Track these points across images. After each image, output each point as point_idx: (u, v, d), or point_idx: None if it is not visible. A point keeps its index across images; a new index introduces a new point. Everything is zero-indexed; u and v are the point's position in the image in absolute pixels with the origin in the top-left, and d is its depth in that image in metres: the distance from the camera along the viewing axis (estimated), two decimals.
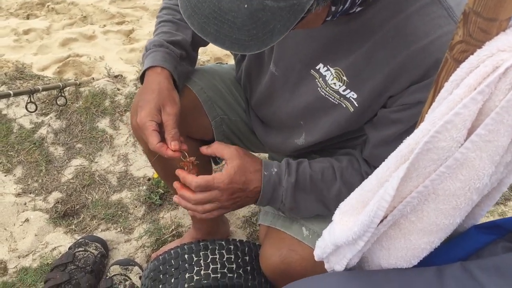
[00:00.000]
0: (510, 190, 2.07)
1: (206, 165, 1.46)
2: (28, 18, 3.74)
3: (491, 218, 1.85)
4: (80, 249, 1.68)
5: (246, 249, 1.36)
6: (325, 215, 1.11)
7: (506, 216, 1.85)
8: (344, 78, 1.00)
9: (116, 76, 2.54)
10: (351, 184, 1.05)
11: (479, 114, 0.60)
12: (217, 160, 1.45)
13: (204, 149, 1.08)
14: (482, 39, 0.61)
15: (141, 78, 1.15)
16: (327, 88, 1.04)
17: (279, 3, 0.70)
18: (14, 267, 1.74)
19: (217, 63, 1.54)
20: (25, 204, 1.97)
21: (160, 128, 1.07)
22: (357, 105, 1.01)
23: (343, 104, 1.03)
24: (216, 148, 1.07)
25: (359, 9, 0.91)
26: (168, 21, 1.22)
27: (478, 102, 0.59)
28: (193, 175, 1.04)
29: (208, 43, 1.27)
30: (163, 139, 1.06)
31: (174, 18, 1.22)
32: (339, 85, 1.01)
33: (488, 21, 0.60)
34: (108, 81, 2.48)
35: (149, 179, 2.06)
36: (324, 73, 1.04)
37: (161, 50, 1.14)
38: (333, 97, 1.04)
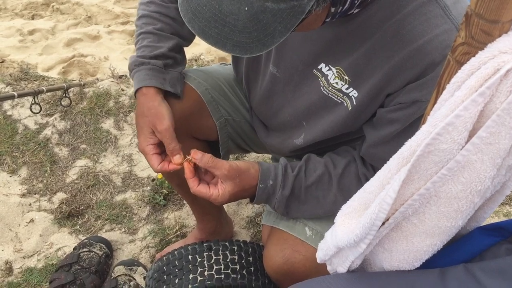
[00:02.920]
0: None
1: None
2: (33, 19, 3.75)
3: (496, 219, 1.84)
4: (84, 249, 1.69)
5: (250, 249, 1.36)
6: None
7: (511, 216, 1.84)
8: (346, 77, 1.00)
9: (120, 77, 2.55)
10: (349, 190, 1.07)
11: (481, 116, 0.60)
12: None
13: (198, 159, 1.04)
14: (484, 41, 0.61)
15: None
16: (330, 87, 1.04)
17: (280, 4, 0.70)
18: (19, 268, 1.75)
19: (220, 64, 1.54)
20: (30, 204, 1.97)
21: (161, 147, 1.13)
22: (355, 103, 1.01)
23: (344, 102, 1.04)
24: (210, 167, 1.04)
25: (357, 10, 0.91)
26: (148, 32, 1.19)
27: (479, 104, 0.59)
28: (195, 182, 1.06)
29: (190, 43, 1.29)
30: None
31: (154, 28, 1.19)
32: (341, 84, 1.01)
33: (490, 23, 0.59)
34: (112, 81, 2.48)
35: (153, 180, 2.07)
36: (326, 73, 1.04)
37: (142, 68, 1.14)
38: (336, 96, 1.04)
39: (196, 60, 2.84)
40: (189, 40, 1.27)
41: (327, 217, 1.13)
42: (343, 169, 1.09)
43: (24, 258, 1.78)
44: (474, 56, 0.62)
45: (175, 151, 1.09)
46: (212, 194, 1.05)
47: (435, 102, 0.68)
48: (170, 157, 1.10)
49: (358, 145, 1.15)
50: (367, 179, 1.06)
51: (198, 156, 1.05)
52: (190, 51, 2.96)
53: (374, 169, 1.08)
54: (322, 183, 1.09)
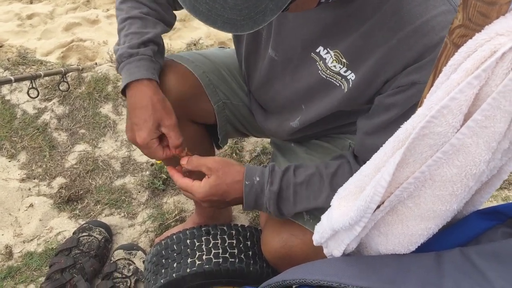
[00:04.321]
0: None
1: (208, 150, 1.46)
2: (31, 3, 3.72)
3: (495, 203, 1.84)
4: (84, 234, 1.70)
5: (248, 234, 1.36)
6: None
7: (510, 201, 1.85)
8: (344, 60, 0.99)
9: None
10: None
11: (476, 99, 0.59)
12: (219, 144, 1.45)
13: (185, 164, 1.11)
14: (482, 23, 0.60)
15: (123, 91, 1.13)
16: (328, 71, 1.03)
17: None
18: (19, 252, 1.76)
19: (219, 47, 1.53)
20: (29, 189, 1.98)
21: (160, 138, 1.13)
22: (351, 85, 1.00)
23: (342, 85, 1.03)
24: (195, 166, 1.09)
25: None
26: (135, 17, 1.14)
27: (474, 87, 0.58)
28: (179, 175, 1.11)
29: (171, 29, 1.28)
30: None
31: (141, 13, 1.15)
32: (339, 67, 1.00)
33: (488, 5, 0.58)
34: (111, 66, 2.47)
35: (152, 165, 2.07)
36: (324, 56, 1.03)
37: (133, 60, 1.10)
38: (334, 79, 1.04)
39: (195, 45, 2.83)
40: (170, 26, 1.26)
41: None
42: (336, 169, 1.08)
43: (24, 243, 1.79)
44: (471, 38, 0.61)
45: (180, 146, 1.12)
46: (194, 184, 1.07)
47: (432, 85, 0.68)
48: (172, 149, 1.12)
49: (349, 132, 1.14)
50: None
51: (184, 161, 1.11)
52: (189, 36, 2.94)
53: None
54: (312, 183, 1.07)
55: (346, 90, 1.02)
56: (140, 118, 1.09)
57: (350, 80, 1.00)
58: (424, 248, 0.79)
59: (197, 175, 1.11)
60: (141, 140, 1.09)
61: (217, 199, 1.08)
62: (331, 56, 1.01)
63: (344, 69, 1.00)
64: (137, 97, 1.10)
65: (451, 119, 0.60)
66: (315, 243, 0.89)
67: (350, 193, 0.79)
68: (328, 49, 1.02)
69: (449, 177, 0.65)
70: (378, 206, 0.71)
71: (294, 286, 0.89)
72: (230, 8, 0.70)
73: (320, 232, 0.85)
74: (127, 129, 1.14)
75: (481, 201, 0.79)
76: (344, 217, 0.75)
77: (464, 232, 0.81)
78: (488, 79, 0.58)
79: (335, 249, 0.84)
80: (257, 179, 1.07)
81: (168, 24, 1.23)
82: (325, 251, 0.89)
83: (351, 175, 1.05)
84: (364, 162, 1.05)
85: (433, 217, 0.71)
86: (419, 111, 0.65)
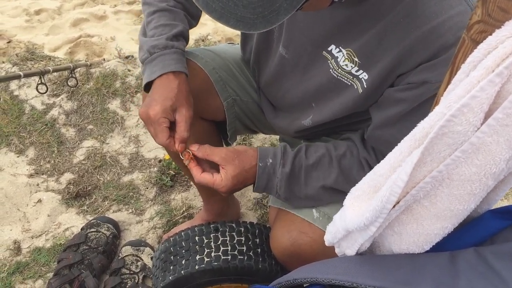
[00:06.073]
0: None
1: (216, 146, 1.46)
2: None
3: (506, 202, 1.82)
4: (92, 229, 1.70)
5: (257, 231, 1.35)
6: (317, 206, 1.14)
7: None
8: (356, 59, 0.98)
9: (127, 57, 2.53)
10: (349, 171, 1.07)
11: (497, 97, 0.58)
12: (228, 141, 1.44)
13: (195, 151, 1.09)
14: (502, 19, 0.59)
15: (146, 85, 1.11)
16: (339, 70, 1.03)
17: None
18: (27, 247, 1.76)
19: (228, 43, 1.52)
20: (37, 185, 1.98)
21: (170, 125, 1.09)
22: (366, 86, 1.00)
23: (354, 85, 1.02)
24: (208, 155, 1.08)
25: None
26: (163, 10, 1.15)
27: (496, 85, 0.57)
28: (199, 170, 1.09)
29: (196, 24, 1.27)
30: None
31: (168, 5, 1.15)
32: (351, 66, 1.00)
33: (508, 0, 0.57)
34: (119, 62, 2.47)
35: (160, 161, 2.06)
36: (336, 54, 1.02)
37: (168, 52, 1.10)
38: (346, 78, 1.03)
39: (203, 41, 2.82)
40: (196, 19, 1.26)
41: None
42: (345, 151, 1.10)
43: (32, 238, 1.79)
44: (490, 34, 0.59)
45: (184, 140, 1.09)
46: (216, 179, 1.06)
47: (448, 83, 0.67)
48: (176, 142, 1.08)
49: (360, 129, 1.14)
50: (368, 164, 1.07)
51: (195, 147, 1.08)
52: (197, 32, 2.93)
53: (376, 153, 1.08)
54: (322, 164, 1.09)
55: (361, 90, 1.01)
56: (161, 96, 1.06)
57: (363, 80, 0.99)
58: (437, 247, 0.77)
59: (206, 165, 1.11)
60: (154, 113, 1.05)
61: (238, 187, 1.09)
62: (343, 55, 1.00)
63: (356, 68, 0.99)
64: (167, 82, 1.08)
65: (471, 118, 0.59)
66: (327, 243, 0.88)
67: (363, 192, 0.78)
68: (340, 47, 1.01)
69: (468, 176, 0.64)
70: (393, 206, 0.70)
71: (305, 285, 0.88)
72: (243, 6, 0.70)
73: (333, 233, 0.84)
74: (142, 107, 1.09)
75: (495, 199, 0.78)
76: (359, 217, 0.74)
77: (479, 231, 0.80)
78: (510, 76, 0.56)
79: (348, 249, 0.83)
80: (270, 160, 1.08)
81: (194, 16, 1.23)
82: (337, 250, 0.88)
83: (358, 159, 1.08)
84: (372, 148, 1.07)
85: (450, 216, 0.70)
86: (437, 109, 0.64)
